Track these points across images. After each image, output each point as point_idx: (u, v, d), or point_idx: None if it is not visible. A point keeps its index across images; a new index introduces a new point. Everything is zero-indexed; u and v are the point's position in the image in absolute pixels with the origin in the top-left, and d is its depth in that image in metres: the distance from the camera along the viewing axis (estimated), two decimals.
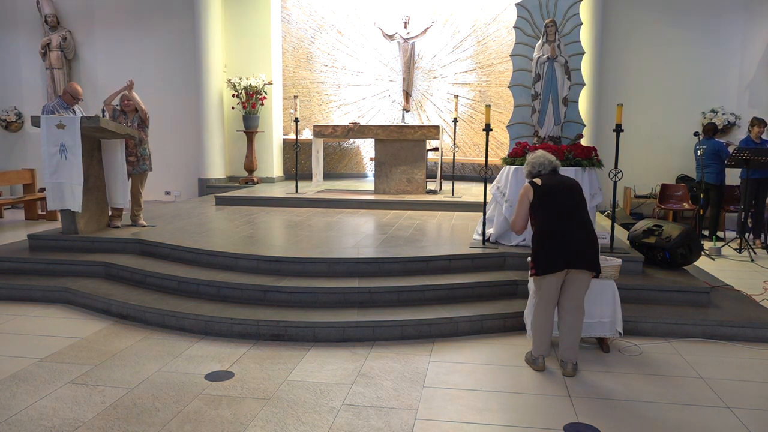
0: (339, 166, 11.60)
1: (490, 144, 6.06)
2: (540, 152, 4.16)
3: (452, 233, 6.57)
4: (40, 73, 11.48)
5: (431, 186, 9.34)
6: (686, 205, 9.13)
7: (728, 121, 9.70)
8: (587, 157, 5.71)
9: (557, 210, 3.91)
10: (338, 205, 8.48)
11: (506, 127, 6.57)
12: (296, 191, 9.04)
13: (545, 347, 3.99)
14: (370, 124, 10.07)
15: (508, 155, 5.99)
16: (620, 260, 4.37)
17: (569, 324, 3.95)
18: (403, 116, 10.86)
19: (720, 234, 8.64)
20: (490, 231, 5.95)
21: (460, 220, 7.47)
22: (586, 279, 3.90)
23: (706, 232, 8.47)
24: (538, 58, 6.09)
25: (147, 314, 4.88)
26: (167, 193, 11.38)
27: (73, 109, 6.61)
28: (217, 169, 10.82)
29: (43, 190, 9.44)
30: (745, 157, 7.76)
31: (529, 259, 3.99)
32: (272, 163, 11.07)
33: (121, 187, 6.59)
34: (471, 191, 9.33)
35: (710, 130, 8.65)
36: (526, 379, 3.86)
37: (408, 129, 9.07)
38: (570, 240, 3.84)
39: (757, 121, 8.18)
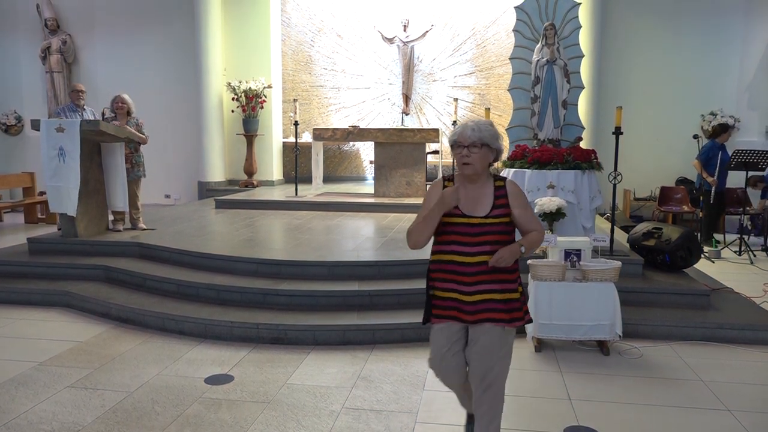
0: (339, 169, 11.59)
1: None
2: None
3: None
4: (40, 77, 11.48)
5: None
6: (686, 208, 9.13)
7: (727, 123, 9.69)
8: (587, 160, 5.72)
9: None
10: (338, 208, 8.48)
11: (505, 129, 6.58)
12: (296, 194, 9.03)
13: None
14: (369, 127, 10.07)
15: (508, 158, 6.00)
16: (620, 263, 4.37)
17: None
18: (402, 119, 10.85)
19: (719, 237, 8.55)
20: None
21: None
22: None
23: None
24: (538, 61, 6.10)
25: (146, 318, 4.88)
26: (167, 196, 11.37)
27: (82, 112, 6.74)
28: (216, 172, 10.81)
29: (42, 193, 9.44)
30: (744, 160, 7.76)
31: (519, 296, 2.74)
32: (272, 166, 11.06)
33: (121, 191, 6.61)
34: None
35: (713, 131, 8.60)
36: (526, 382, 3.85)
37: (407, 132, 9.07)
38: None
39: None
